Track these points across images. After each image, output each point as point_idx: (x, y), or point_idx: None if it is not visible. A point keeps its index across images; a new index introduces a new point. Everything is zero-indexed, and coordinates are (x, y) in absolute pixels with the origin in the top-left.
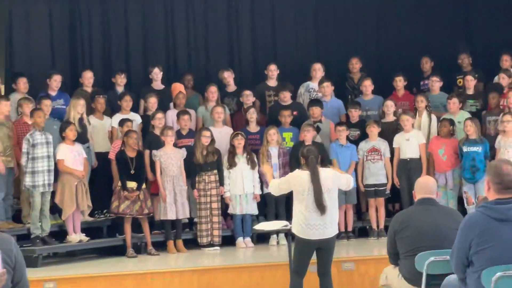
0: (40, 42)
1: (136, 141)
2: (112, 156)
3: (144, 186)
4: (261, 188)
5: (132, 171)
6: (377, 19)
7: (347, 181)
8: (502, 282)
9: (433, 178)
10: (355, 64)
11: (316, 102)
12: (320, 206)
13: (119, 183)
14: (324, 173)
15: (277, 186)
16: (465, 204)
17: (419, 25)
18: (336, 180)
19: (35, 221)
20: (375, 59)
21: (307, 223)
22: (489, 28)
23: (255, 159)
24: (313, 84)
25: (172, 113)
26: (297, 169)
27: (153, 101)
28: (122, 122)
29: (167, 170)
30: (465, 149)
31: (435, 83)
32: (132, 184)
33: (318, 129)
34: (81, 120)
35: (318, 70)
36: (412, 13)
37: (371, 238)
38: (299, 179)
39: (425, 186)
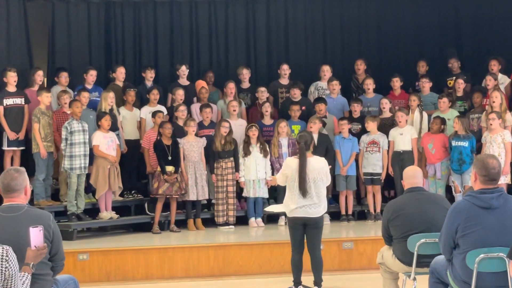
0: (79, 41)
1: (170, 131)
2: (145, 144)
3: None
4: (272, 175)
5: (170, 157)
6: (378, 27)
7: (327, 180)
8: (484, 263)
9: (419, 168)
10: (360, 65)
11: (320, 99)
12: (302, 190)
13: (158, 168)
14: (314, 161)
15: (280, 179)
16: (453, 192)
17: (414, 32)
18: (324, 170)
19: (71, 199)
20: (376, 62)
21: (293, 204)
22: (476, 35)
23: (267, 149)
24: (322, 83)
25: (195, 107)
26: (288, 157)
27: (181, 93)
28: (154, 114)
29: (189, 156)
30: (453, 143)
31: (425, 84)
32: (170, 168)
33: (324, 124)
34: (111, 110)
35: (326, 71)
36: (408, 21)
37: (369, 221)
38: (289, 166)
39: (412, 175)
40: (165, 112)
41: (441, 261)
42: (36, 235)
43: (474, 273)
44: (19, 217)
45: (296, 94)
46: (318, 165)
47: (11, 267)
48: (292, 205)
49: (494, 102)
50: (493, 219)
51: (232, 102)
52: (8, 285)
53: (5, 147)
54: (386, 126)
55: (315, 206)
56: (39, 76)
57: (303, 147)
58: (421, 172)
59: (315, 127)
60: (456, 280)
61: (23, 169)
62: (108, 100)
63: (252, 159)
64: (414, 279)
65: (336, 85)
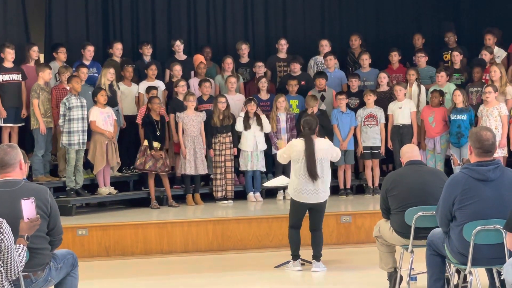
0: (76, 16)
1: (159, 106)
2: (139, 120)
3: (166, 146)
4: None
5: (158, 133)
6: (376, 0)
7: (336, 154)
8: (481, 235)
9: (416, 146)
10: (354, 41)
11: (321, 74)
12: (312, 174)
13: (145, 143)
14: (319, 143)
15: (281, 155)
16: (452, 165)
17: (413, 5)
18: (329, 151)
19: (70, 175)
20: (374, 36)
21: (300, 188)
22: (475, 9)
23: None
24: (321, 58)
25: (193, 81)
26: (294, 139)
27: (178, 69)
28: (148, 89)
29: (188, 131)
30: (452, 116)
31: (421, 59)
32: (156, 144)
33: (322, 98)
34: (111, 86)
35: (325, 45)
36: None
37: (367, 195)
38: (295, 147)
39: (410, 151)
40: (163, 87)
41: (438, 233)
42: (28, 207)
43: (471, 245)
44: (16, 192)
45: (296, 68)
46: (322, 146)
47: (6, 239)
48: (298, 188)
49: (493, 76)
50: (490, 191)
51: (230, 79)
52: (4, 256)
53: (1, 123)
54: (384, 100)
55: (323, 190)
56: (34, 52)
57: (308, 133)
58: (418, 149)
59: (315, 108)
60: (453, 252)
61: (16, 145)
62: (108, 75)
63: (251, 132)
64: (412, 251)
65: (331, 60)
